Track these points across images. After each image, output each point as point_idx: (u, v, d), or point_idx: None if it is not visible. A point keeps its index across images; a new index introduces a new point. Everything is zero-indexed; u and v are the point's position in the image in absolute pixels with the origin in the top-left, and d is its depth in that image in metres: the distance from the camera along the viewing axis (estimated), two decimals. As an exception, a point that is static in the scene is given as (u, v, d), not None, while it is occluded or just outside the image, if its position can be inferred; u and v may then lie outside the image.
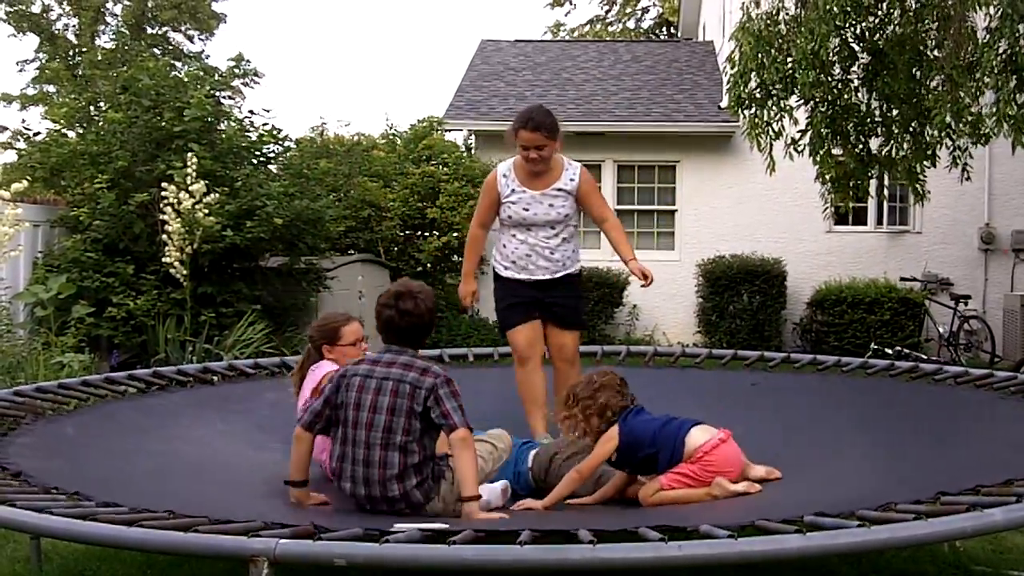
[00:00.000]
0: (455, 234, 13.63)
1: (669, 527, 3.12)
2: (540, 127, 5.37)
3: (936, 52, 9.55)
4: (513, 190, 5.53)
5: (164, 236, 9.64)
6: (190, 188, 9.55)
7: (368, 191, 14.10)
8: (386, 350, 4.24)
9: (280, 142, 12.11)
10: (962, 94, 9.01)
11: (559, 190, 5.54)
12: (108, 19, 32.60)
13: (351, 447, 4.08)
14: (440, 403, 4.05)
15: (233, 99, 12.71)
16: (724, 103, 13.30)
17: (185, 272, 9.56)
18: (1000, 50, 8.73)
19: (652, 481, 4.45)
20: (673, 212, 14.64)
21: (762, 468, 4.79)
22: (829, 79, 9.99)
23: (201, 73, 12.40)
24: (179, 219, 9.48)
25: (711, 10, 18.36)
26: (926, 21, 9.59)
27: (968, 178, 10.17)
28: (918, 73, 9.77)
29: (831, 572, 4.23)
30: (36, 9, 31.38)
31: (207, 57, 32.41)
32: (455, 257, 13.94)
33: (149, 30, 32.75)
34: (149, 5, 32.13)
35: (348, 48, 61.23)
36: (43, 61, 32.03)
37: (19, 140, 12.54)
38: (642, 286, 5.62)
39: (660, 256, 14.40)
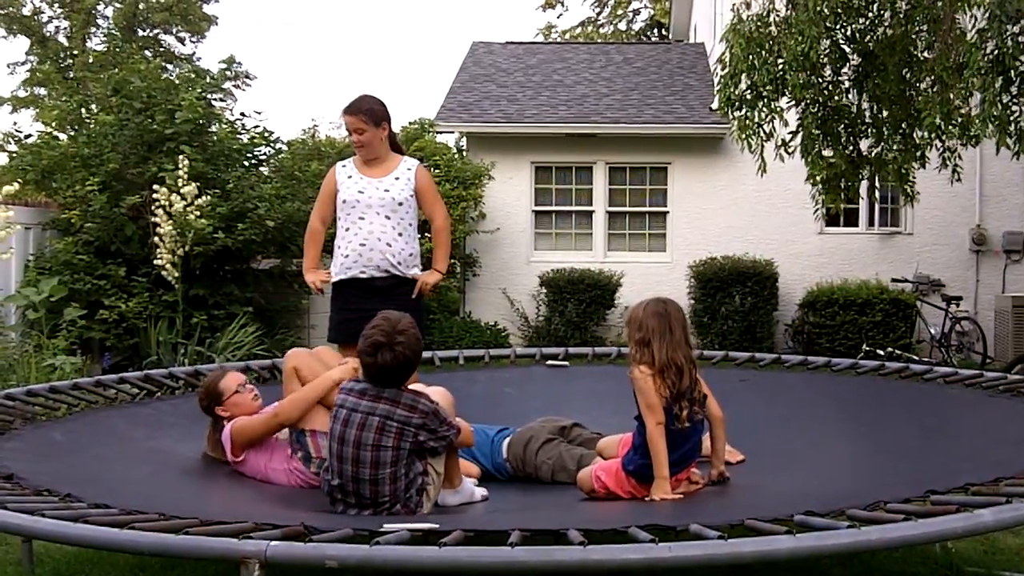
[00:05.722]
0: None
1: (659, 527, 3.13)
2: (358, 111, 5.47)
3: (926, 54, 9.59)
4: (350, 176, 5.59)
5: (156, 238, 9.65)
6: (181, 190, 9.55)
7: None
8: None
9: (271, 144, 12.12)
10: (952, 95, 9.04)
11: (396, 178, 5.59)
12: (99, 21, 32.57)
13: (339, 479, 4.05)
14: (435, 434, 4.03)
15: (224, 101, 12.71)
16: (715, 104, 13.33)
17: (177, 274, 9.56)
18: (988, 50, 8.76)
19: (586, 472, 4.39)
20: (665, 214, 14.64)
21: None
22: (820, 80, 10.03)
23: (192, 75, 12.38)
24: (170, 221, 9.48)
25: (702, 12, 18.39)
26: (916, 23, 9.63)
27: (959, 179, 10.19)
28: (908, 74, 9.81)
29: (823, 573, 4.25)
30: (27, 11, 31.34)
31: (198, 59, 32.37)
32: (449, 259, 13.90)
33: (140, 32, 32.70)
34: (140, 7, 32.09)
35: (339, 50, 61.23)
36: (34, 63, 31.98)
37: (10, 142, 12.47)
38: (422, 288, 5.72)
39: (652, 258, 14.42)
